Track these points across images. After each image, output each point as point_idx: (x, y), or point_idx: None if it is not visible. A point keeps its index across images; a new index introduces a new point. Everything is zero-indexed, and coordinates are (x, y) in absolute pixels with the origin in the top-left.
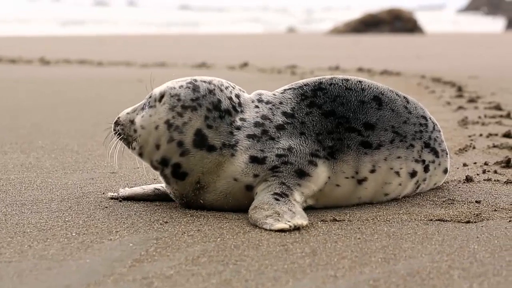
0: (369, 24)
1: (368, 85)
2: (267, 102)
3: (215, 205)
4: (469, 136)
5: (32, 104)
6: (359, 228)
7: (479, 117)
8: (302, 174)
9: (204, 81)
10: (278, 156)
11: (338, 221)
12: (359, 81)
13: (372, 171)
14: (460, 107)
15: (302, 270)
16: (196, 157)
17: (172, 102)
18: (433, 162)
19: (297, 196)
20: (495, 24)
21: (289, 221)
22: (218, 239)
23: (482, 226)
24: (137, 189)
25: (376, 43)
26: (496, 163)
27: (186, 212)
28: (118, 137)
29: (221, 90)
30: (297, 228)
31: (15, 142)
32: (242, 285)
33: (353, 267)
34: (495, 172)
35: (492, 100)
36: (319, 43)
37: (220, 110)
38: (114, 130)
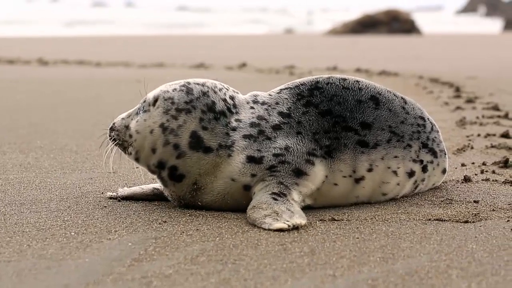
0: (367, 25)
1: (366, 85)
2: (263, 103)
3: (214, 206)
4: (467, 136)
5: (30, 104)
6: (357, 227)
7: (477, 118)
8: (299, 173)
9: (198, 84)
10: (275, 155)
11: (336, 220)
12: (357, 81)
13: (370, 170)
14: (458, 108)
15: (300, 269)
16: (193, 159)
17: (166, 106)
18: (432, 162)
19: (295, 195)
20: (492, 25)
21: (288, 221)
22: (217, 238)
23: (480, 226)
24: (136, 189)
25: (374, 44)
26: (494, 163)
27: (185, 211)
28: (113, 143)
29: (215, 92)
30: (295, 228)
31: (14, 142)
32: (241, 284)
33: (351, 267)
34: (493, 172)
35: (490, 100)
36: (317, 44)
37: (214, 111)
38: (110, 136)
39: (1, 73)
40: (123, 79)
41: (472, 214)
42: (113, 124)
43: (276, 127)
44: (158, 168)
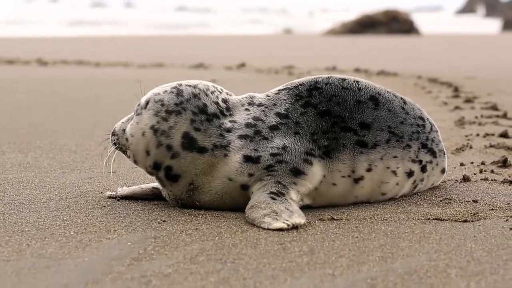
0: (366, 25)
1: (365, 85)
2: (259, 105)
3: (212, 206)
4: (466, 136)
5: (30, 104)
6: (356, 227)
7: (476, 117)
8: (297, 172)
9: (189, 85)
10: (273, 155)
11: (335, 220)
12: (356, 81)
13: (369, 170)
14: (456, 107)
15: (300, 268)
16: (187, 159)
17: (156, 108)
18: (431, 162)
19: (293, 195)
20: (491, 25)
21: (287, 220)
22: (216, 237)
23: (479, 225)
24: (136, 188)
25: (373, 44)
26: (493, 162)
27: (184, 211)
28: (114, 147)
29: (207, 95)
30: (295, 227)
31: (13, 142)
32: (240, 283)
33: (350, 266)
34: (492, 171)
35: (489, 100)
36: (316, 44)
37: (207, 113)
38: (111, 140)
39: (1, 73)
40: (122, 79)
41: (471, 213)
42: (114, 128)
43: (273, 128)
44: (154, 169)
